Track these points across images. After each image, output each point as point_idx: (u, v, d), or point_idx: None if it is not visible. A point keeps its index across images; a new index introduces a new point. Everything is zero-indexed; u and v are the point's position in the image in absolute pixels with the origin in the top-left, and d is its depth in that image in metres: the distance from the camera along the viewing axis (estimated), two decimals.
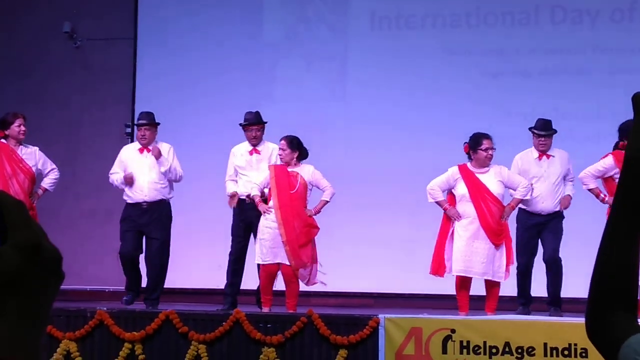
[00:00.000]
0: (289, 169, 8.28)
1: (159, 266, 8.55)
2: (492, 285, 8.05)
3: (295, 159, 8.29)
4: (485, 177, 8.07)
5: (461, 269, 7.98)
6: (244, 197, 8.43)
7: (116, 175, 8.73)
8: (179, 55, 10.89)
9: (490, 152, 8.08)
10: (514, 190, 8.16)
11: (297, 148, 8.30)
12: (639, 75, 9.35)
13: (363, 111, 10.37)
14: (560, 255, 8.22)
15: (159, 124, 8.84)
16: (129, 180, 8.59)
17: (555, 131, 8.38)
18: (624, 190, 1.34)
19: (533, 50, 10.12)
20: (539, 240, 8.36)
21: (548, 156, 8.46)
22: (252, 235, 8.44)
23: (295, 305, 8.16)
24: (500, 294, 8.15)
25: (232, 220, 8.55)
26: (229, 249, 8.49)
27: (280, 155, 8.33)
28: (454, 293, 8.18)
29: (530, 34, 10.17)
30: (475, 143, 8.09)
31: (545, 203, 8.33)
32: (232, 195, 8.47)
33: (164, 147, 8.76)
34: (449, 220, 8.12)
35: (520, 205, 8.28)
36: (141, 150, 8.73)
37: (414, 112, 10.19)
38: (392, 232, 9.84)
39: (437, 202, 8.14)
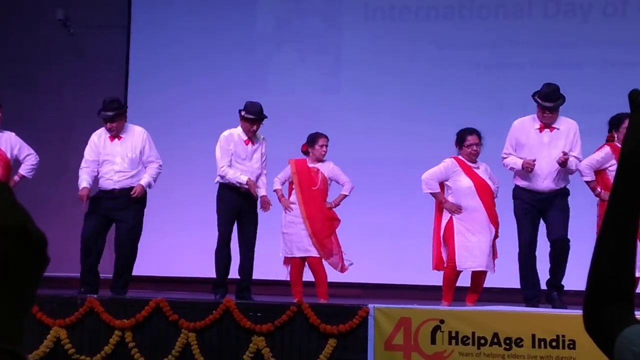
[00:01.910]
0: (310, 165, 8.44)
1: (126, 251, 8.33)
2: (480, 277, 8.06)
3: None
4: (480, 172, 8.09)
5: (475, 265, 7.89)
6: (236, 184, 8.29)
7: (83, 172, 8.37)
8: (172, 44, 10.89)
9: (474, 147, 8.01)
10: None
11: None
12: (631, 68, 9.38)
13: (356, 102, 10.39)
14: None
15: (126, 108, 8.54)
16: (82, 198, 8.26)
17: (564, 100, 7.84)
18: (620, 186, 1.37)
19: (526, 43, 10.15)
20: (541, 220, 7.85)
21: (552, 128, 7.87)
22: (238, 224, 8.40)
23: (326, 293, 8.28)
24: (492, 285, 8.17)
25: (217, 208, 8.38)
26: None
27: (323, 152, 8.47)
28: (439, 284, 8.21)
29: (523, 27, 10.19)
30: (461, 139, 8.08)
31: (545, 182, 7.79)
32: (252, 184, 8.22)
33: (137, 132, 8.44)
34: (441, 212, 8.07)
35: (519, 183, 7.91)
36: (111, 138, 8.41)
37: (406, 104, 10.21)
38: (383, 222, 9.88)
39: (433, 194, 8.06)
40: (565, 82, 9.66)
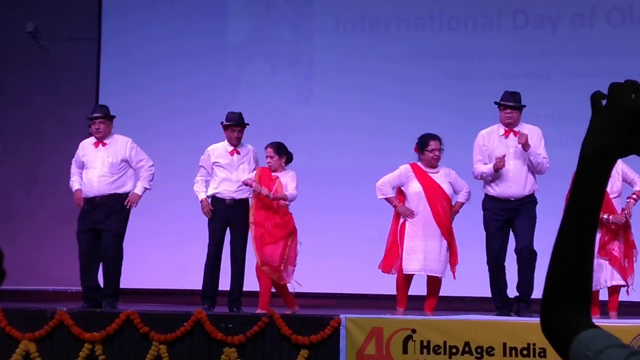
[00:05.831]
0: (274, 173, 8.40)
1: (112, 260, 8.36)
2: (434, 284, 8.13)
3: (283, 164, 8.42)
4: (437, 177, 8.17)
5: (418, 268, 8.01)
6: (224, 197, 8.38)
7: (72, 183, 8.57)
8: (143, 56, 10.85)
9: (436, 153, 8.12)
10: (457, 194, 8.23)
11: (284, 154, 8.45)
12: (599, 79, 9.44)
13: (328, 114, 10.40)
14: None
15: (114, 117, 8.66)
16: (78, 201, 8.48)
17: (523, 105, 8.07)
18: (579, 187, 1.37)
19: (496, 54, 10.21)
20: (510, 230, 7.90)
21: (515, 133, 7.98)
22: (230, 235, 8.42)
23: (266, 304, 8.12)
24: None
25: (210, 220, 8.42)
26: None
27: (269, 163, 8.41)
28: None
29: (493, 38, 10.26)
30: (423, 144, 8.17)
31: (513, 187, 7.86)
32: (205, 204, 8.38)
33: (122, 141, 8.60)
34: (398, 217, 8.19)
35: (487, 191, 7.99)
36: (96, 145, 8.56)
37: (378, 115, 10.23)
38: (355, 233, 9.87)
39: (386, 199, 8.21)
40: (534, 92, 9.74)
